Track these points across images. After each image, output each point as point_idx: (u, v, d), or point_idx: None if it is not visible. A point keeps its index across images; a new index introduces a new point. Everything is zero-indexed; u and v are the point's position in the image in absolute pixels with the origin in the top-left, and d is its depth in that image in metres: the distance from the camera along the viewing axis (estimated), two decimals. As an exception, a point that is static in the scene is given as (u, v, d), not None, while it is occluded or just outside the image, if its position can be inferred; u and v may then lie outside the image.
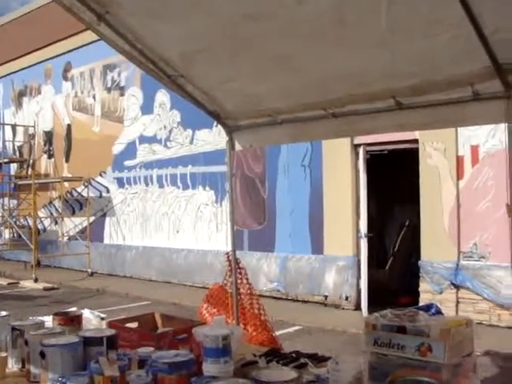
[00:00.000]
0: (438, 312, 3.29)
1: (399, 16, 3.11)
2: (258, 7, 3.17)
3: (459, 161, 9.09)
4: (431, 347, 2.08)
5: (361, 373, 2.31)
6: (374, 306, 9.23)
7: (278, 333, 7.24)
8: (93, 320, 3.84)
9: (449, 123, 4.27)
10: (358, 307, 10.18)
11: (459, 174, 9.08)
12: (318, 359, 3.05)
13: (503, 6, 2.96)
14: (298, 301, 11.16)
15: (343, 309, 10.40)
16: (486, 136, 8.69)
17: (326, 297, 10.78)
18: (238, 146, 4.98)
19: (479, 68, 3.48)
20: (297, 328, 9.08)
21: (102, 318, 4.00)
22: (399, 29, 3.22)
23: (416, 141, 9.34)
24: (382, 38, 3.31)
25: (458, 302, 9.04)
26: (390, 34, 3.27)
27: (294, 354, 3.18)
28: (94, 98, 16.97)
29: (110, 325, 3.33)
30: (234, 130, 4.90)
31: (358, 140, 9.87)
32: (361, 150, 10.04)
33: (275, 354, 3.19)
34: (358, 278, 10.29)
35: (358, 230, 10.34)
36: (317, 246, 11.02)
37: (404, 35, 3.30)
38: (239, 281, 6.11)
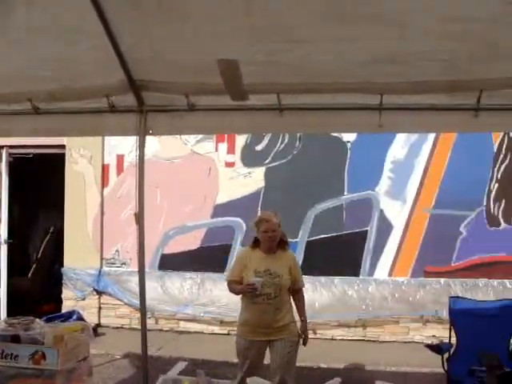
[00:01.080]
0: (80, 318, 3.33)
1: (36, 18, 3.02)
2: None
3: (105, 169, 9.20)
4: (45, 355, 2.08)
5: (-28, 387, 2.20)
6: (15, 315, 8.78)
7: None
8: None
9: (86, 132, 4.28)
10: (-4, 317, 9.67)
11: (104, 182, 9.19)
12: None
13: (138, 27, 3.11)
14: None
15: (-21, 320, 9.76)
16: (130, 147, 8.91)
17: (-41, 308, 9.99)
18: None
19: (115, 81, 3.59)
20: None
21: None
22: (36, 31, 3.12)
23: (63, 146, 9.23)
24: (18, 38, 3.19)
25: (100, 308, 9.12)
26: (26, 35, 3.16)
27: None
28: None
29: None
30: None
31: (1, 141, 9.37)
32: (4, 152, 9.56)
33: None
34: (-2, 286, 9.78)
35: (-2, 236, 9.82)
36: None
37: (42, 38, 3.21)
38: None
